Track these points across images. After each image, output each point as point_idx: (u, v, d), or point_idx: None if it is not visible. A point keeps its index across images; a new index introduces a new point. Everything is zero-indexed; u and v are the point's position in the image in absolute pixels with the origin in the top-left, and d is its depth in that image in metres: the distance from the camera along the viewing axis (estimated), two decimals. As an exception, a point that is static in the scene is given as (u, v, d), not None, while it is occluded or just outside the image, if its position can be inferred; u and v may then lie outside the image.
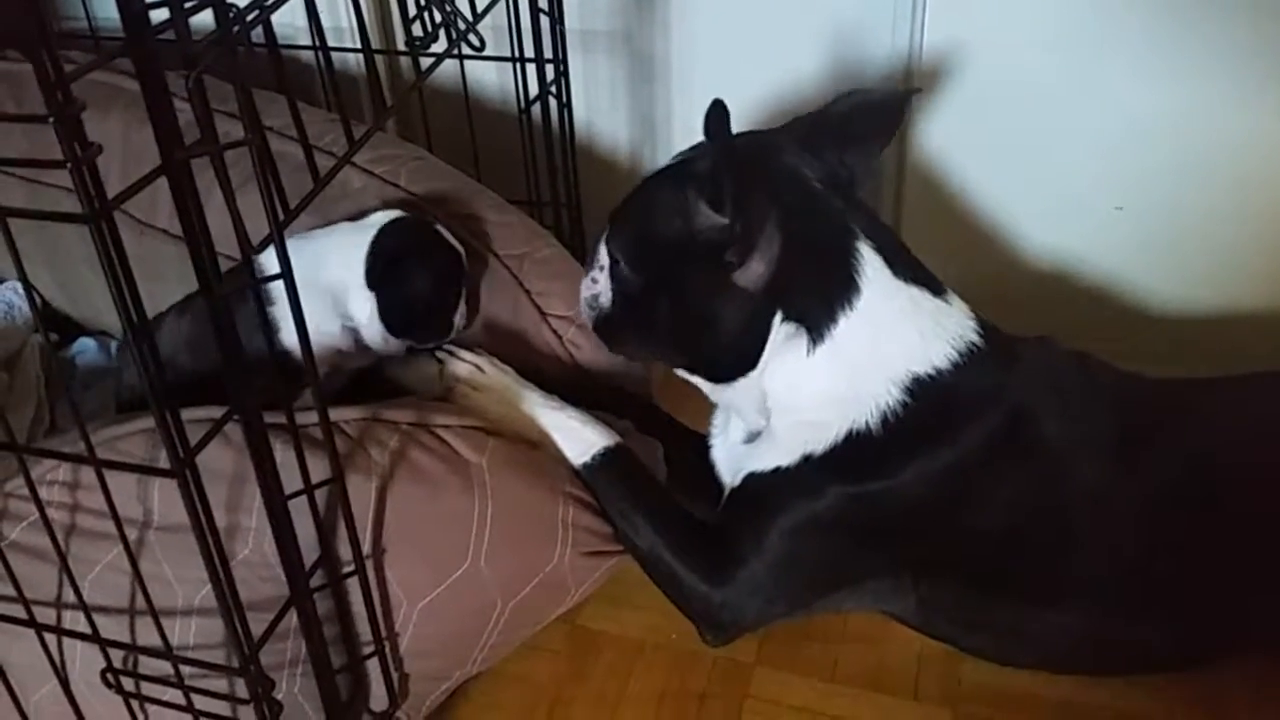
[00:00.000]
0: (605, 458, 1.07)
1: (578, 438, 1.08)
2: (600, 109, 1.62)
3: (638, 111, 1.61)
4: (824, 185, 1.02)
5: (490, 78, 1.60)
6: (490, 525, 0.99)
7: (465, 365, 1.13)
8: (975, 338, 1.04)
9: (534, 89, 1.39)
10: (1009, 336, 1.08)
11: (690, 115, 1.58)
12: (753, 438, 1.11)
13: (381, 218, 1.11)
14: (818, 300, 1.01)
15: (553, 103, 1.39)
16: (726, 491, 1.12)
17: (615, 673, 1.21)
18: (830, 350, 1.01)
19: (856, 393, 1.02)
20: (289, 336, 0.98)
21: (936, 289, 1.05)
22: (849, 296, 1.00)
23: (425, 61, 0.99)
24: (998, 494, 1.03)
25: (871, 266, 1.01)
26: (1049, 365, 1.08)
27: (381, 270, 1.08)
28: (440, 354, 1.15)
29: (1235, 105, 1.31)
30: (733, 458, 1.14)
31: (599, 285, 1.08)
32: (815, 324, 1.01)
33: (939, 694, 1.16)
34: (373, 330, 1.10)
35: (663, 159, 1.59)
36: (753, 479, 1.08)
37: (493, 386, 1.12)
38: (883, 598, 1.12)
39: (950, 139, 1.43)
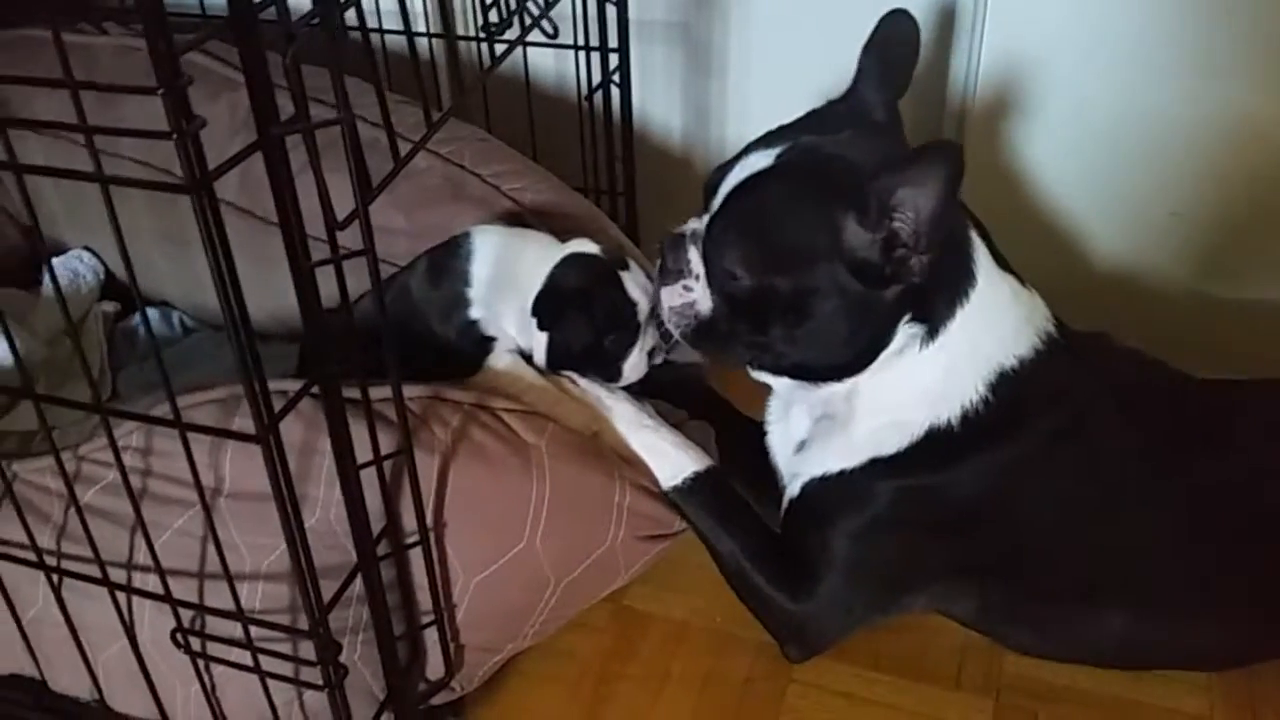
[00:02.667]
0: (695, 481, 1.08)
1: (669, 461, 1.08)
2: (656, 99, 1.64)
3: (693, 102, 1.62)
4: None
5: (548, 65, 1.61)
6: (547, 506, 1.01)
7: (563, 380, 1.12)
8: (1053, 329, 1.05)
9: (595, 77, 1.41)
10: (1074, 331, 1.08)
11: (746, 107, 1.60)
12: (807, 443, 1.12)
13: (571, 248, 1.11)
14: (943, 298, 1.00)
15: (614, 91, 1.40)
16: (786, 500, 1.13)
17: (660, 653, 1.23)
18: (939, 346, 1.01)
19: (947, 389, 1.02)
20: (481, 315, 1.10)
21: (1021, 278, 1.05)
22: (967, 289, 1.00)
23: (498, 47, 1.01)
24: (1060, 490, 1.04)
25: (982, 255, 1.01)
26: (1110, 361, 1.08)
27: (547, 310, 1.08)
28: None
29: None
30: (790, 464, 1.14)
31: (694, 293, 1.04)
32: (936, 322, 1.00)
33: (981, 684, 1.18)
34: (540, 358, 1.11)
35: (717, 150, 1.62)
36: (813, 486, 1.08)
37: (585, 400, 1.11)
38: (948, 598, 1.13)
39: (1004, 145, 1.43)
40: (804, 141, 1.01)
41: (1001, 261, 1.05)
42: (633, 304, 1.10)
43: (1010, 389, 1.01)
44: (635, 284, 1.10)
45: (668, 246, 1.06)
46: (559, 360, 1.10)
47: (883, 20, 1.07)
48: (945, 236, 0.95)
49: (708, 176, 1.07)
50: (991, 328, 1.02)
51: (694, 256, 1.04)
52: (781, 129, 1.05)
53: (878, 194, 0.92)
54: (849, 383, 1.05)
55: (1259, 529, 1.06)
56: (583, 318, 1.08)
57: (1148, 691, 1.16)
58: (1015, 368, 1.02)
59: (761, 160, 1.00)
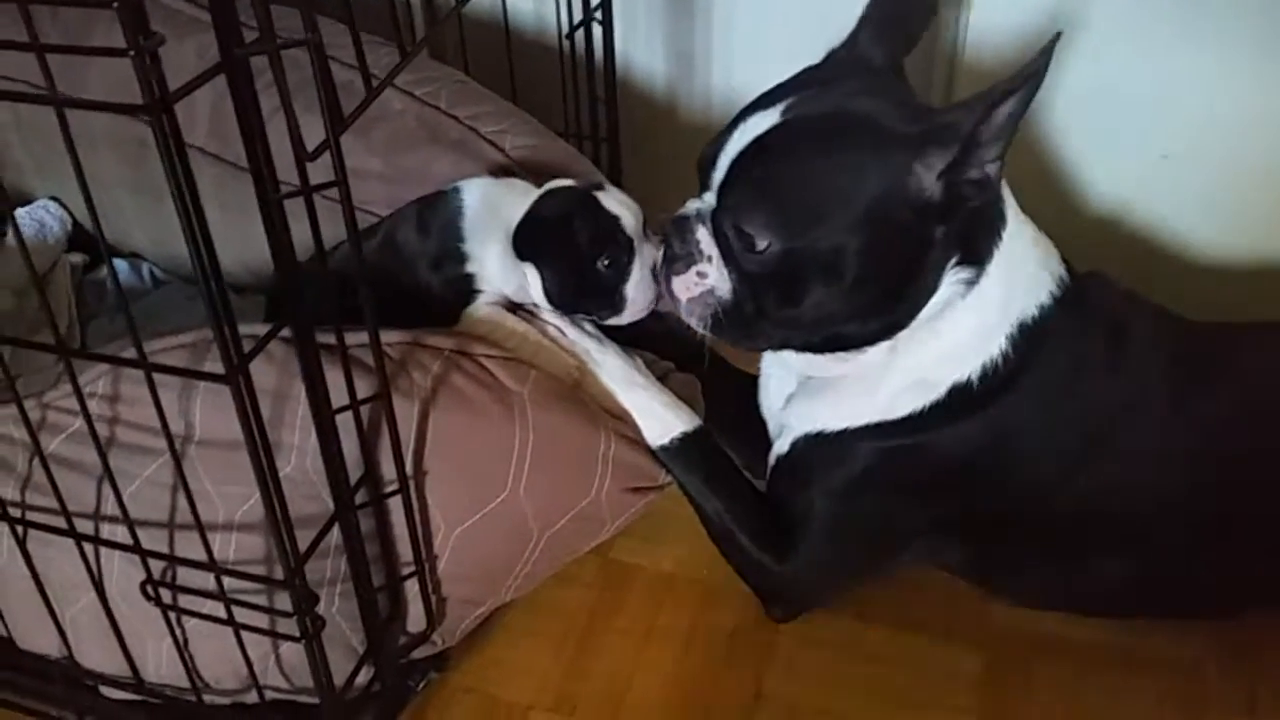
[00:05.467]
0: (683, 442, 1.05)
1: (658, 421, 1.05)
2: (637, 44, 1.59)
3: (675, 47, 1.58)
4: None
5: (526, 5, 1.57)
6: (530, 455, 0.98)
7: (549, 328, 1.08)
8: (1064, 272, 1.01)
9: (576, 15, 1.36)
10: (1080, 274, 1.05)
11: (730, 51, 1.55)
12: (794, 396, 1.08)
13: (547, 186, 1.08)
14: (983, 234, 0.95)
15: (596, 30, 1.36)
16: (773, 456, 1.10)
17: (646, 606, 1.21)
18: (978, 293, 0.96)
19: (975, 344, 0.98)
20: (476, 269, 1.07)
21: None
22: (999, 228, 0.96)
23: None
24: (1057, 440, 1.01)
25: (1008, 193, 0.97)
26: (1109, 305, 1.05)
27: (526, 241, 1.04)
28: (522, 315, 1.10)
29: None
30: (778, 417, 1.11)
31: (709, 279, 0.96)
32: (978, 263, 0.96)
33: (972, 635, 1.16)
34: (537, 297, 1.07)
35: (702, 98, 1.58)
36: (802, 443, 1.05)
37: (572, 350, 1.07)
38: (937, 551, 1.11)
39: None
40: (808, 95, 0.94)
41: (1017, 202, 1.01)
42: (614, 218, 1.04)
43: (1026, 341, 0.98)
44: (614, 200, 1.05)
45: (672, 232, 0.98)
46: (558, 297, 1.05)
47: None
48: None
49: (701, 152, 0.99)
50: (1019, 272, 0.98)
51: (703, 237, 0.96)
52: (774, 90, 0.97)
53: (973, 119, 0.86)
54: (889, 343, 0.99)
55: (1257, 472, 1.04)
56: (564, 241, 1.02)
57: (1141, 641, 1.15)
58: (1034, 317, 0.98)
59: (765, 120, 0.93)
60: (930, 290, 0.95)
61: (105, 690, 1.05)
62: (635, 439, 1.05)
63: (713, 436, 1.07)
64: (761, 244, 0.92)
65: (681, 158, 1.05)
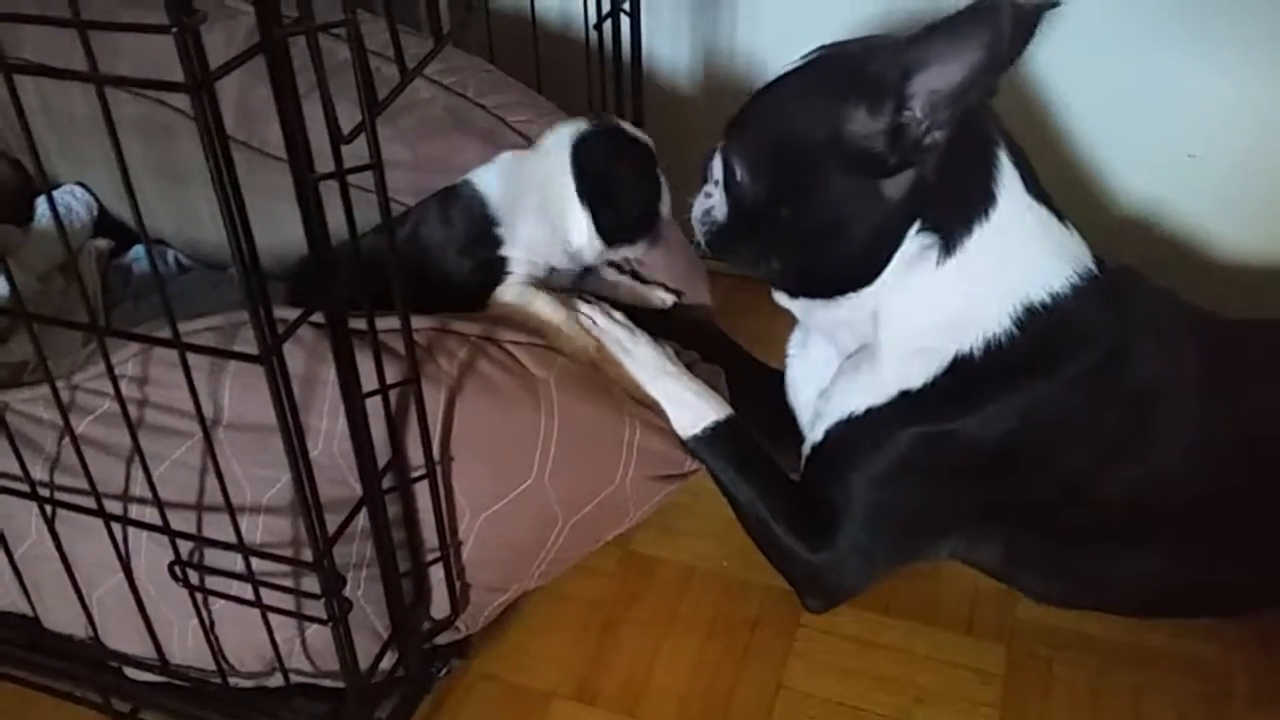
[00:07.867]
0: (715, 430, 1.05)
1: (689, 410, 1.05)
2: (662, 37, 1.59)
3: (700, 40, 1.58)
4: None
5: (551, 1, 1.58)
6: (555, 442, 0.98)
7: (581, 316, 1.09)
8: (1093, 265, 1.01)
9: (604, 5, 1.36)
10: (1112, 268, 1.04)
11: (755, 44, 1.55)
12: (831, 387, 1.08)
13: (569, 132, 1.11)
14: (957, 209, 0.96)
15: (624, 22, 1.36)
16: (808, 446, 1.10)
17: (667, 597, 1.21)
18: (957, 265, 0.96)
19: (969, 315, 0.98)
20: (510, 251, 1.10)
21: (1060, 215, 1.01)
22: (986, 207, 0.96)
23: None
24: (1092, 431, 1.01)
25: (1009, 178, 0.97)
26: (1146, 300, 1.04)
27: (591, 185, 1.09)
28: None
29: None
30: (813, 406, 1.11)
31: (713, 199, 1.05)
32: (950, 235, 0.96)
33: (993, 630, 1.16)
34: (592, 247, 1.12)
35: (727, 91, 1.58)
36: (837, 429, 1.05)
37: (604, 341, 1.07)
38: (972, 545, 1.10)
39: (1021, 86, 1.40)
40: (845, 43, 0.98)
41: (1035, 190, 1.00)
42: (646, 145, 1.12)
43: (1040, 324, 0.97)
44: (634, 129, 1.13)
45: (705, 157, 1.07)
46: (613, 230, 1.11)
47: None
48: (968, 144, 0.92)
49: None
50: (1016, 255, 0.98)
51: (716, 163, 1.05)
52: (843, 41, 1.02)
53: (900, 70, 0.88)
54: (869, 300, 1.00)
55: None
56: (626, 182, 1.10)
57: (1162, 638, 1.14)
58: (1045, 302, 0.98)
59: (793, 65, 0.99)
60: (890, 247, 0.97)
61: (130, 671, 1.05)
62: (660, 426, 1.05)
63: (744, 425, 1.07)
64: (740, 177, 1.01)
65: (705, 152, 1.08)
